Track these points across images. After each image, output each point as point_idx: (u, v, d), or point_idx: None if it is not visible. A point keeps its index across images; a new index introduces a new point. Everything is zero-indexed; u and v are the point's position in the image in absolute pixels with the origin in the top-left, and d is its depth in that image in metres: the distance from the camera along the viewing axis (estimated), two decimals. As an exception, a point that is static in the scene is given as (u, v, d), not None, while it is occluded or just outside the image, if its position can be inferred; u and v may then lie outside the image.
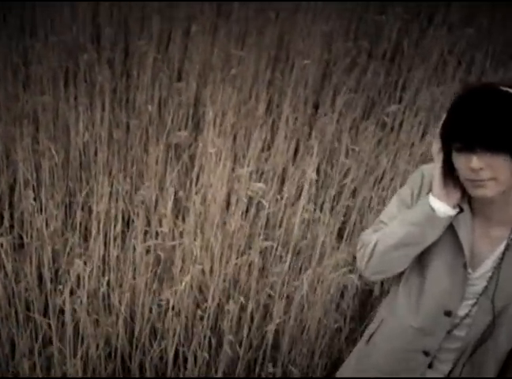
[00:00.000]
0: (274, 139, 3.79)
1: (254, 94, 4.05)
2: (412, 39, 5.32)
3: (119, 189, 3.00)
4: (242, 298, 2.57)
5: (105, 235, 2.81)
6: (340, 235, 3.29)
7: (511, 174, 1.55)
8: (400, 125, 4.10)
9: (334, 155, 3.72)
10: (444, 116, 1.66)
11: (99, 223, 2.80)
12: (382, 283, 3.32)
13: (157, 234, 2.94)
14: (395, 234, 1.72)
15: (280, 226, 3.13)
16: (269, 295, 2.82)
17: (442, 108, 4.24)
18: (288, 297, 2.81)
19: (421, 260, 1.76)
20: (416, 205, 1.72)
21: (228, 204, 3.26)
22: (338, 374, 2.18)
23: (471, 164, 1.53)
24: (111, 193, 2.99)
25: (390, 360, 1.88)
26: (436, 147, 1.69)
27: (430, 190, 1.72)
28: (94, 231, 2.76)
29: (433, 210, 1.65)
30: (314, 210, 3.14)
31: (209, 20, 4.76)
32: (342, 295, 3.03)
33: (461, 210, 1.67)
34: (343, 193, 3.43)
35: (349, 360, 2.11)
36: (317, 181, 3.37)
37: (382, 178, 3.65)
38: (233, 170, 3.49)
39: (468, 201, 1.69)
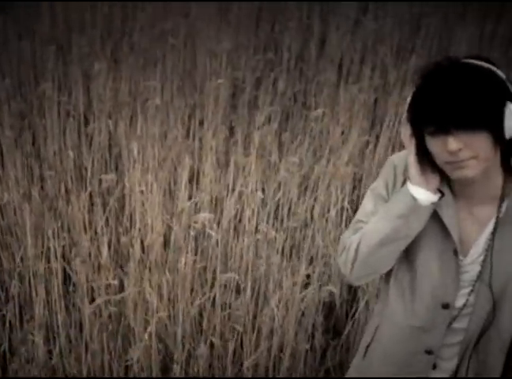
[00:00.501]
0: (203, 165, 3.61)
1: (172, 122, 3.86)
2: (315, 43, 5.30)
3: (51, 247, 2.72)
4: (212, 339, 2.35)
5: (47, 302, 2.52)
6: (291, 252, 3.15)
7: (491, 149, 1.43)
8: (322, 130, 4.03)
9: (269, 171, 3.58)
10: (409, 99, 1.54)
11: (36, 288, 2.52)
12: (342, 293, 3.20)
13: (104, 288, 2.68)
14: (379, 231, 1.57)
15: (232, 254, 2.94)
16: (235, 329, 2.63)
17: (361, 106, 4.21)
18: (256, 328, 2.61)
19: (408, 256, 1.63)
20: (396, 197, 1.58)
21: (166, 241, 3.05)
22: None
23: (448, 147, 1.41)
24: (42, 253, 2.72)
25: (393, 367, 1.73)
26: (406, 133, 1.56)
27: (405, 180, 1.60)
28: (34, 297, 2.48)
29: (415, 199, 1.52)
30: (267, 230, 2.97)
31: (109, 56, 4.56)
32: (303, 313, 2.88)
33: (443, 194, 1.55)
34: (289, 208, 3.29)
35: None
36: (262, 199, 3.21)
37: (317, 188, 3.55)
38: (166, 204, 3.29)
39: (447, 184, 1.57)
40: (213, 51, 4.72)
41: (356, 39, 5.24)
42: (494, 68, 1.44)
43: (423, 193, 1.52)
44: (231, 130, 4.21)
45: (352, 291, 3.22)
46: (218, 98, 4.19)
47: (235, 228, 3.19)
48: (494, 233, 1.54)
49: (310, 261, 3.16)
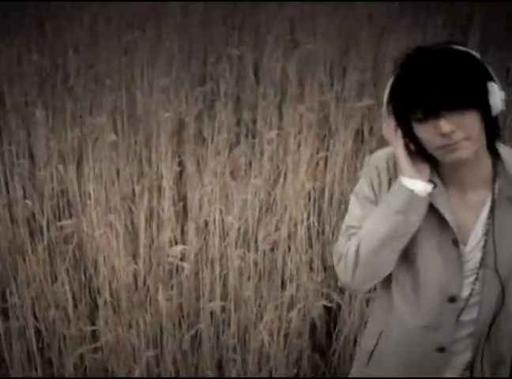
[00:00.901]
0: (160, 201, 3.51)
1: (122, 167, 3.75)
2: (251, 68, 5.31)
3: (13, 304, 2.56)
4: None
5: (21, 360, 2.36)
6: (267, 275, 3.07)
7: (480, 129, 1.43)
8: (275, 152, 4.00)
9: (228, 198, 3.51)
10: (388, 91, 1.50)
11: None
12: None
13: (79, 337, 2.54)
14: (378, 231, 1.52)
15: (206, 284, 2.84)
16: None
17: (310, 124, 4.20)
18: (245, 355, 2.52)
19: (407, 256, 1.58)
20: (391, 194, 1.54)
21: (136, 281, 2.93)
22: None
23: (441, 130, 1.38)
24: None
25: (405, 370, 1.66)
26: (390, 127, 1.53)
27: (390, 178, 1.57)
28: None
29: (412, 191, 1.48)
30: (244, 253, 2.89)
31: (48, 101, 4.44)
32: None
33: (435, 184, 1.51)
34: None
35: None
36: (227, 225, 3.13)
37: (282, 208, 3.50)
38: (128, 244, 3.16)
39: (436, 173, 1.54)
40: (153, 87, 4.65)
41: (291, 60, 5.28)
42: (469, 50, 1.43)
43: (418, 184, 1.49)
44: (180, 164, 4.14)
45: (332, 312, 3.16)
46: (166, 132, 4.11)
47: (205, 258, 3.10)
48: (491, 216, 1.52)
49: (282, 284, 3.09)
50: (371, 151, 4.00)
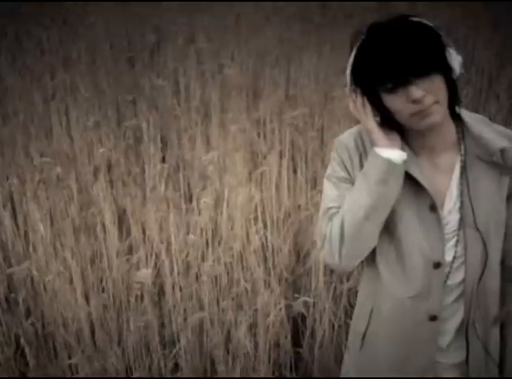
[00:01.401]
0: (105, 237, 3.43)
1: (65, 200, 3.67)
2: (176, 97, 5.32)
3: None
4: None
5: None
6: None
7: (445, 93, 1.49)
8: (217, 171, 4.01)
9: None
10: (350, 69, 1.55)
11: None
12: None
13: None
14: (361, 205, 1.55)
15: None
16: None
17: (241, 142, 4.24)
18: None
19: (388, 226, 1.61)
20: (368, 166, 1.57)
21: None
22: None
23: (413, 96, 1.44)
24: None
25: (400, 344, 1.68)
26: (356, 103, 1.57)
27: (360, 156, 1.63)
28: None
29: (388, 160, 1.53)
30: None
31: None
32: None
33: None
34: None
35: (348, 376, 1.87)
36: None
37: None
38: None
39: (405, 143, 1.59)
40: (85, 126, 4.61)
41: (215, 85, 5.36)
42: (422, 19, 1.50)
43: (393, 153, 1.54)
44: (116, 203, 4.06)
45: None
46: (100, 170, 4.05)
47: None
48: (463, 176, 1.58)
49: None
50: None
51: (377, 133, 1.55)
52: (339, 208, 1.61)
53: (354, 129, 1.68)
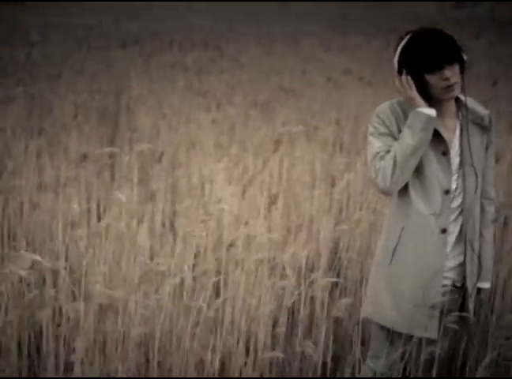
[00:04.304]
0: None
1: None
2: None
3: None
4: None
5: None
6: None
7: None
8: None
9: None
10: (397, 59, 2.38)
11: None
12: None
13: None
14: (409, 145, 2.32)
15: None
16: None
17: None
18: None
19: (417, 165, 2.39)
20: (412, 120, 2.34)
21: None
22: (372, 312, 2.52)
23: (445, 75, 2.28)
24: None
25: (422, 249, 2.41)
26: (403, 81, 2.37)
27: (396, 117, 2.40)
28: None
29: (428, 115, 2.33)
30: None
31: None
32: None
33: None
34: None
35: (378, 287, 2.49)
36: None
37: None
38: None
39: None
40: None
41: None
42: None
43: (430, 111, 2.34)
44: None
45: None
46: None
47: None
48: (462, 133, 2.44)
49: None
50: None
51: (419, 99, 2.36)
52: (385, 152, 2.36)
53: (387, 102, 2.44)
